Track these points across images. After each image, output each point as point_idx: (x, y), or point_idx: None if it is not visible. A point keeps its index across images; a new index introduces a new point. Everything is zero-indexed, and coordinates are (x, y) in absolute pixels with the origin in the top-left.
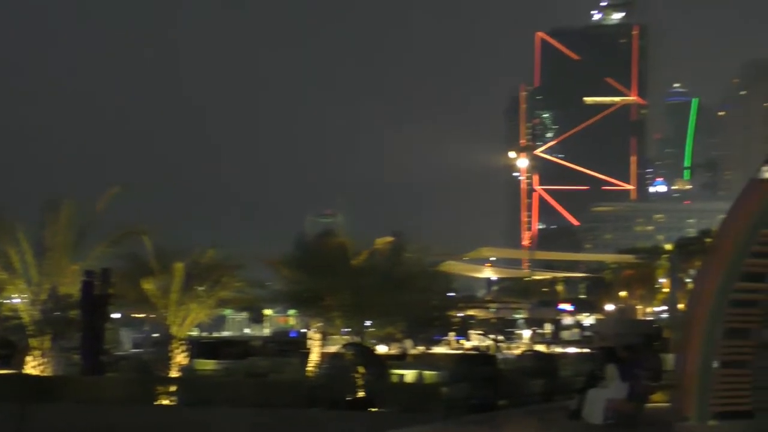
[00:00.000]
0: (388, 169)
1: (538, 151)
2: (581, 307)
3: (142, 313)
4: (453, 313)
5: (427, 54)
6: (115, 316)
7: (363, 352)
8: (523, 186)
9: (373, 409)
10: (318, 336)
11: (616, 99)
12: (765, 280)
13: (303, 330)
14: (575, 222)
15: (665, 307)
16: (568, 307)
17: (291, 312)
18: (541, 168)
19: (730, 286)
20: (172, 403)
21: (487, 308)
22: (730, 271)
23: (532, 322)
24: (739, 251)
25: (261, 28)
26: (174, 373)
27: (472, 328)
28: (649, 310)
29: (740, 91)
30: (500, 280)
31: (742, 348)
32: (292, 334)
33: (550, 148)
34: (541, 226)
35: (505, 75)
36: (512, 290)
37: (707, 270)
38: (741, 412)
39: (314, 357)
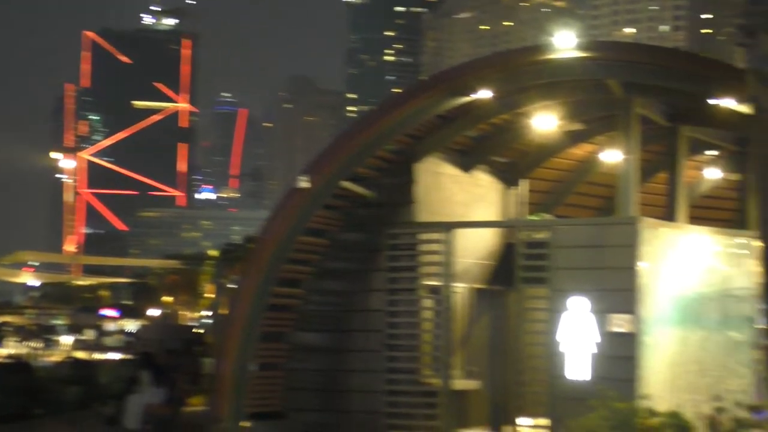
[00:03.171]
0: None
1: (85, 154)
2: (126, 312)
3: None
4: None
5: None
6: None
7: None
8: (68, 189)
9: None
10: None
11: (166, 105)
12: (299, 286)
13: None
14: (123, 227)
15: (210, 312)
16: (112, 312)
17: None
18: (90, 171)
19: (268, 290)
20: None
21: (24, 314)
22: (268, 276)
23: (74, 329)
24: (277, 257)
25: None
26: None
27: (8, 335)
28: (194, 315)
29: (285, 104)
30: (42, 286)
31: (276, 351)
32: None
33: (99, 151)
34: (87, 231)
35: (55, 74)
36: (54, 296)
37: (246, 275)
38: (273, 412)
39: None
